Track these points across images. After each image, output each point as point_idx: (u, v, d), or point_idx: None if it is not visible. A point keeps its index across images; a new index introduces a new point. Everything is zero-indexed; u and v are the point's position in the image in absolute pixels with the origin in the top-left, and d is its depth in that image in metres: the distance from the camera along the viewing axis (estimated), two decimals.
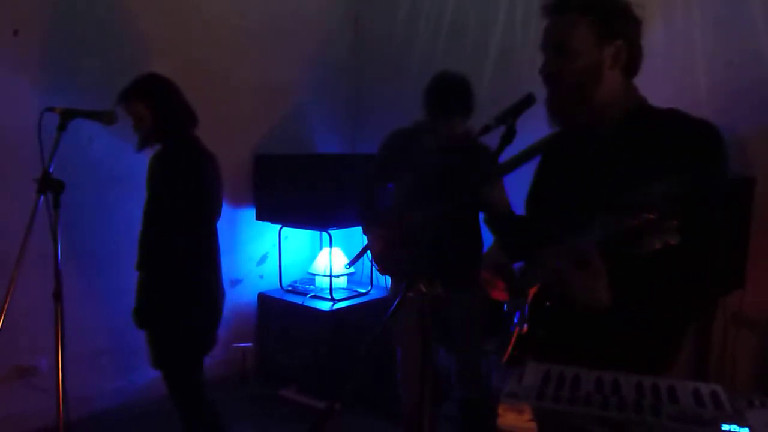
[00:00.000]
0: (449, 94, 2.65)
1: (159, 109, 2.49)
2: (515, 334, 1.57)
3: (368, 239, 2.87)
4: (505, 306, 1.70)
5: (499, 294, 1.64)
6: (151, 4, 3.61)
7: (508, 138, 1.47)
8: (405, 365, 2.77)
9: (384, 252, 2.79)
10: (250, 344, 4.15)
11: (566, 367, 1.26)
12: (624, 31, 1.47)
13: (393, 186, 2.94)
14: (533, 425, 1.10)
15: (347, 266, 3.09)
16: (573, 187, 1.53)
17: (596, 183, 1.45)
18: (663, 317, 1.40)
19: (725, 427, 1.00)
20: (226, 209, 3.95)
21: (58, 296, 2.24)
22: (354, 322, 3.85)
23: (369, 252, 2.85)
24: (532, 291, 1.50)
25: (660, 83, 3.08)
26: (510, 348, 1.58)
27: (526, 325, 1.51)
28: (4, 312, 2.11)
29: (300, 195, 3.93)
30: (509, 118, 1.47)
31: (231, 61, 3.97)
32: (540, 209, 1.66)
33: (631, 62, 1.50)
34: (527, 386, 1.16)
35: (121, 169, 3.46)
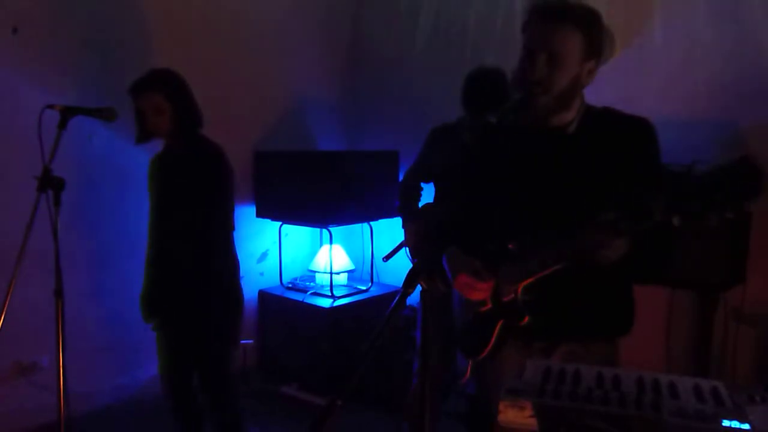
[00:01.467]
0: (484, 89, 2.67)
1: (179, 103, 2.49)
2: (497, 329, 1.61)
3: (405, 233, 2.90)
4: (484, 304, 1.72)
5: (478, 294, 1.66)
6: (150, 2, 3.61)
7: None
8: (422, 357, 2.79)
9: (419, 247, 2.82)
10: (251, 341, 4.15)
11: (566, 364, 1.26)
12: (600, 52, 1.57)
13: (434, 181, 2.96)
14: (534, 422, 1.10)
15: (383, 260, 3.15)
16: (542, 183, 1.60)
17: (564, 179, 1.56)
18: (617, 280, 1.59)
19: (726, 423, 1.01)
20: None
21: (59, 293, 2.24)
22: (354, 319, 3.85)
23: (406, 247, 2.89)
24: (522, 284, 1.53)
25: (659, 77, 3.11)
26: (492, 342, 1.61)
27: (526, 317, 1.54)
28: (5, 309, 2.11)
29: (300, 192, 3.92)
30: (509, 116, 1.48)
31: (230, 58, 3.97)
32: (498, 206, 1.69)
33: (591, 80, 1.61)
34: (528, 382, 1.17)
35: (121, 165, 3.46)
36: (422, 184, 3.06)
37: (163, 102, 2.46)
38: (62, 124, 2.24)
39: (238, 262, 2.70)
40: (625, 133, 1.55)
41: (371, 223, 4.16)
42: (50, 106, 2.28)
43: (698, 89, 3.01)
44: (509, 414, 1.11)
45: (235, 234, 4.04)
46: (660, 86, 3.04)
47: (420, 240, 2.81)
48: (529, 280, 1.54)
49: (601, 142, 1.54)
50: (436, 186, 2.95)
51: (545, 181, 1.59)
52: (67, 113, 2.26)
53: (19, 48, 3.15)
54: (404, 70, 4.30)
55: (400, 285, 4.12)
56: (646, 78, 3.11)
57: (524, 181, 1.63)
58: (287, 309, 4.02)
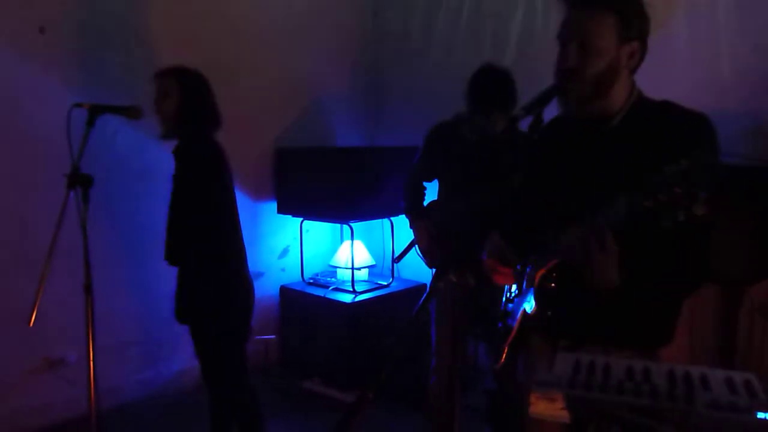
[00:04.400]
0: (490, 88, 2.62)
1: (190, 93, 2.51)
2: (520, 318, 1.61)
3: (414, 233, 2.90)
4: (507, 291, 1.74)
5: (503, 279, 1.67)
6: (173, 1, 3.64)
7: (534, 128, 1.49)
8: (439, 354, 2.80)
9: (430, 245, 2.83)
10: (273, 336, 4.19)
11: (596, 356, 1.26)
12: (641, 33, 1.52)
13: (438, 179, 2.96)
14: (565, 414, 1.10)
15: (394, 261, 3.15)
16: (579, 175, 1.57)
17: (601, 173, 1.51)
18: (659, 293, 1.48)
19: (762, 415, 1.00)
20: (248, 203, 4.02)
21: (88, 289, 2.27)
22: (375, 314, 3.87)
23: (417, 246, 2.89)
24: (539, 273, 1.53)
25: (685, 71, 3.07)
26: (514, 331, 1.62)
27: (535, 306, 1.54)
28: (36, 305, 2.14)
29: (321, 188, 3.94)
30: (536, 108, 1.48)
31: (251, 56, 3.99)
32: (543, 197, 1.68)
33: (639, 62, 1.55)
34: (559, 374, 1.17)
35: (144, 162, 3.50)
36: (425, 184, 3.06)
37: (174, 85, 2.48)
38: (90, 122, 2.27)
39: (245, 258, 2.66)
40: (673, 129, 1.45)
41: (392, 218, 4.17)
42: (78, 105, 2.31)
43: (724, 81, 2.97)
44: (540, 406, 1.11)
45: (257, 230, 4.13)
46: (685, 79, 3.00)
47: (438, 237, 2.81)
48: (542, 271, 1.54)
49: (646, 136, 1.47)
50: (441, 183, 2.94)
51: (580, 175, 1.58)
52: (95, 111, 2.29)
53: (46, 47, 3.20)
54: (423, 67, 4.30)
55: (421, 280, 4.18)
56: (671, 71, 3.07)
57: (560, 174, 1.63)
58: (308, 304, 4.04)
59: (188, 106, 2.51)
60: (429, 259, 2.89)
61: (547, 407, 1.12)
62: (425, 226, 2.83)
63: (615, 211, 1.32)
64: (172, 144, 2.64)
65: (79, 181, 2.22)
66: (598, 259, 1.35)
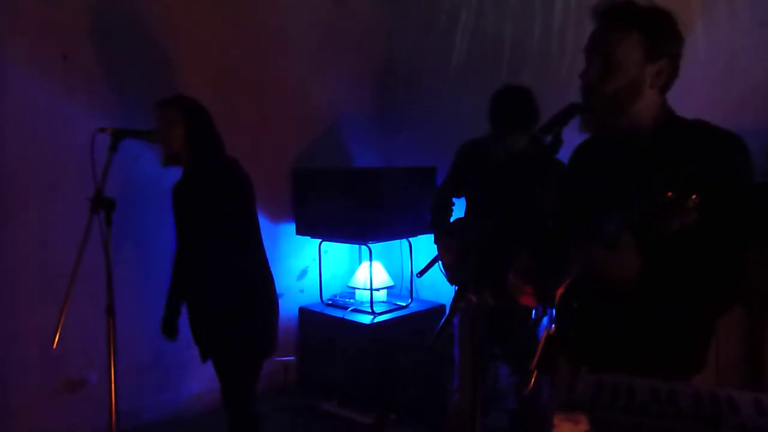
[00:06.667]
0: (510, 108, 2.64)
1: (193, 121, 2.55)
2: (544, 338, 1.59)
3: (438, 248, 2.90)
4: (534, 312, 1.72)
5: (527, 299, 1.65)
6: (191, 25, 3.71)
7: (554, 148, 1.48)
8: (461, 374, 2.78)
9: (453, 262, 2.83)
10: (292, 358, 4.18)
11: (619, 377, 1.25)
12: (669, 51, 1.48)
13: (465, 196, 2.98)
14: None
15: (417, 276, 3.16)
16: (601, 194, 1.55)
17: (623, 192, 1.46)
18: (687, 313, 1.45)
19: None
20: (267, 224, 4.05)
21: (110, 311, 2.29)
22: (395, 335, 3.85)
23: (440, 262, 2.90)
24: (559, 292, 1.51)
25: (703, 88, 3.05)
26: (539, 352, 1.59)
27: (554, 326, 1.52)
28: (60, 327, 2.17)
29: (339, 209, 3.95)
30: (555, 128, 1.48)
31: (269, 78, 4.05)
32: (568, 215, 1.67)
33: (669, 81, 1.51)
34: (582, 395, 1.15)
35: (164, 186, 3.52)
36: (454, 200, 3.07)
37: (176, 114, 2.53)
38: (113, 147, 2.31)
39: (269, 282, 2.68)
40: (703, 149, 1.41)
41: (410, 239, 4.16)
42: (102, 129, 2.35)
43: (743, 99, 2.95)
44: (564, 428, 1.10)
45: (276, 252, 4.14)
46: (703, 96, 2.98)
47: (461, 254, 2.82)
48: (561, 290, 1.52)
49: (674, 156, 1.43)
50: (468, 200, 2.96)
51: (593, 190, 1.57)
52: (118, 136, 2.34)
53: (68, 74, 3.27)
54: (440, 86, 4.32)
55: (440, 301, 4.16)
56: (689, 88, 3.05)
57: (586, 194, 1.62)
58: (327, 325, 4.04)
59: (195, 131, 2.55)
60: (451, 275, 2.89)
61: (570, 429, 1.10)
62: (449, 242, 2.84)
63: (614, 223, 1.31)
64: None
65: (102, 204, 2.25)
66: (603, 255, 1.34)
